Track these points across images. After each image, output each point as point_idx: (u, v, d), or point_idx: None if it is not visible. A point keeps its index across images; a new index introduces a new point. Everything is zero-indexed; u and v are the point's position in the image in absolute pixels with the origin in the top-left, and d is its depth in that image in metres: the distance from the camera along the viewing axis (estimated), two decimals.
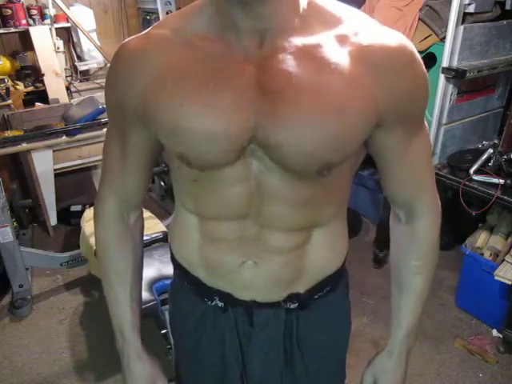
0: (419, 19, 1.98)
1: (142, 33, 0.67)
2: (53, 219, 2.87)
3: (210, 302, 0.79)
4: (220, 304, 0.78)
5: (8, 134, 2.54)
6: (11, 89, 2.96)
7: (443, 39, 1.90)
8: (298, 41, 0.59)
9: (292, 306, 0.77)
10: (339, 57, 0.58)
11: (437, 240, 0.79)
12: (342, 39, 0.59)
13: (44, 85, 3.08)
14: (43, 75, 3.05)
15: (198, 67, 0.60)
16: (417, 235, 0.78)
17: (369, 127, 0.62)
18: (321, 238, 0.74)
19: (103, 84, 0.73)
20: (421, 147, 0.70)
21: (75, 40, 3.34)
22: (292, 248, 0.72)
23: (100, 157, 0.79)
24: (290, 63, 0.58)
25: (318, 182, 0.66)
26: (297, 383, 0.83)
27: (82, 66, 3.40)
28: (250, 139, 0.60)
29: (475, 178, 1.91)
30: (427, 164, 0.74)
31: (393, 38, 0.60)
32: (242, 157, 0.62)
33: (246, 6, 0.55)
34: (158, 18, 3.09)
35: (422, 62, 0.62)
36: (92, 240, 1.93)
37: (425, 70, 0.63)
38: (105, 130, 0.82)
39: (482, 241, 2.08)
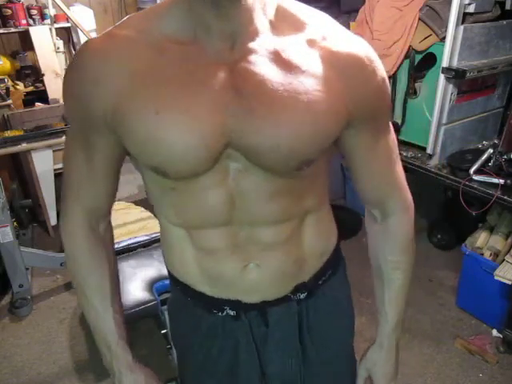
0: (419, 19, 1.98)
1: (104, 33, 0.63)
2: (53, 219, 2.87)
3: (220, 313, 0.77)
4: (232, 313, 0.77)
5: (8, 134, 2.55)
6: (11, 89, 2.96)
7: (443, 39, 1.89)
8: (269, 44, 0.60)
9: (302, 296, 0.78)
10: (309, 59, 0.60)
11: (411, 235, 0.82)
12: (311, 43, 0.61)
13: (44, 85, 3.08)
14: (43, 75, 3.05)
15: (171, 71, 0.59)
16: (391, 232, 0.81)
17: (340, 126, 0.64)
18: (312, 223, 0.75)
19: None
20: (387, 146, 0.73)
21: (75, 40, 3.33)
22: (287, 240, 0.72)
23: None
24: (262, 65, 0.58)
25: (297, 176, 0.67)
26: (311, 372, 0.84)
27: None
28: (226, 143, 0.60)
29: (475, 178, 1.91)
30: (396, 162, 0.76)
31: (359, 45, 0.64)
32: (219, 161, 0.62)
33: (219, 6, 0.56)
34: None
35: (382, 67, 0.66)
36: None
37: (385, 75, 0.67)
38: None
39: (482, 241, 2.08)
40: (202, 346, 0.82)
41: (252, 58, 0.59)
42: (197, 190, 0.65)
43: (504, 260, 1.91)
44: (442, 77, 1.90)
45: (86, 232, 0.77)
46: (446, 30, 1.85)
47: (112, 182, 0.74)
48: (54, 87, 3.08)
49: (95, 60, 0.61)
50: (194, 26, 0.59)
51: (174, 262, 0.80)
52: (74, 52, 3.41)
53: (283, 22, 0.62)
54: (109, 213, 0.80)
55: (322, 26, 0.64)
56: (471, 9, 1.79)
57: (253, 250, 0.71)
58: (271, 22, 0.61)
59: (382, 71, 0.65)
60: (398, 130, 2.19)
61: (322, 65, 0.60)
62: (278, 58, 0.59)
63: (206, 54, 0.59)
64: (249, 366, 0.81)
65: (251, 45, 0.59)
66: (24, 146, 2.52)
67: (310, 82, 0.59)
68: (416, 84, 2.14)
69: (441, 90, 1.93)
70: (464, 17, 1.81)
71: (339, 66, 0.61)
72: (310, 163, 0.64)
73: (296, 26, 0.62)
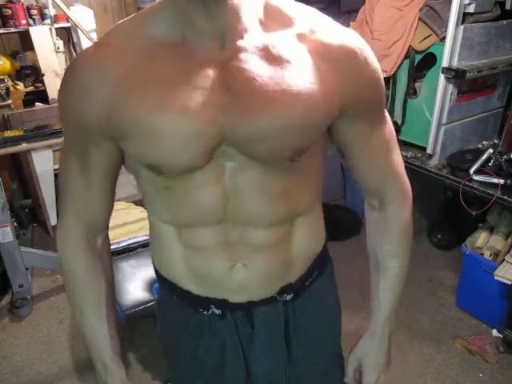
0: (419, 19, 1.98)
1: (95, 42, 0.65)
2: (53, 219, 2.87)
3: (205, 312, 0.78)
4: (217, 311, 0.77)
5: (8, 134, 2.55)
6: (11, 89, 2.96)
7: (443, 39, 1.89)
8: (258, 40, 0.60)
9: (288, 298, 0.78)
10: (299, 53, 0.61)
11: (409, 224, 0.82)
12: (300, 37, 0.62)
13: (44, 85, 3.08)
14: (43, 75, 3.05)
15: (162, 73, 0.60)
16: (388, 220, 0.81)
17: (331, 116, 0.65)
18: (303, 226, 0.75)
19: None
20: (384, 136, 0.74)
21: (75, 40, 3.33)
22: (277, 242, 0.73)
23: None
24: (252, 62, 0.59)
25: (291, 170, 0.68)
26: (298, 372, 0.84)
27: None
28: (220, 140, 0.61)
29: (475, 178, 1.91)
30: (393, 151, 0.77)
31: (349, 36, 0.64)
32: (213, 159, 0.63)
33: (205, 5, 0.56)
34: None
35: (375, 57, 0.66)
36: None
37: (378, 65, 0.67)
38: None
39: (482, 241, 2.08)
40: (189, 344, 0.82)
41: (242, 55, 0.59)
42: (191, 189, 0.66)
43: (504, 260, 1.91)
44: (441, 77, 1.90)
45: (83, 247, 0.77)
46: (445, 30, 1.85)
47: (108, 195, 0.75)
48: (54, 87, 3.07)
49: (85, 71, 0.62)
50: (183, 27, 0.60)
51: (161, 260, 0.80)
52: (74, 52, 3.41)
53: (272, 19, 0.62)
54: (106, 227, 0.81)
55: (311, 19, 0.64)
56: (471, 9, 1.79)
57: (242, 250, 0.71)
58: (260, 20, 0.62)
59: (374, 61, 0.66)
60: (398, 130, 2.19)
61: (313, 58, 0.61)
62: (267, 54, 0.60)
63: (196, 55, 0.60)
64: (235, 366, 0.81)
65: (240, 43, 0.60)
66: (24, 146, 2.52)
67: (300, 75, 0.60)
68: (416, 84, 2.14)
69: (441, 90, 1.93)
70: (464, 17, 1.81)
71: (332, 59, 0.62)
72: (302, 152, 0.65)
73: (284, 21, 0.63)
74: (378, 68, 0.67)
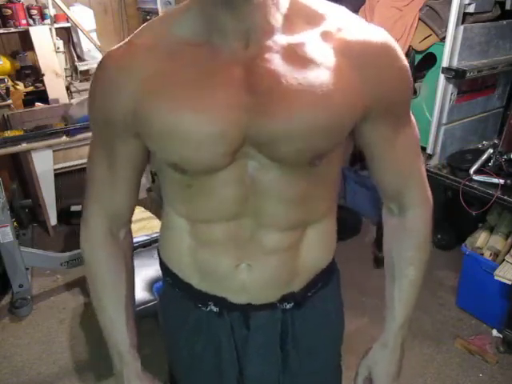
0: (419, 19, 1.98)
1: (124, 41, 0.66)
2: (53, 219, 2.87)
3: (204, 308, 0.78)
4: (215, 309, 0.77)
5: (8, 134, 2.55)
6: (11, 89, 2.96)
7: (443, 39, 1.89)
8: (283, 40, 0.60)
9: (288, 306, 0.77)
10: (324, 53, 0.60)
11: (428, 231, 0.80)
12: (326, 36, 0.61)
13: (44, 85, 3.09)
14: (43, 75, 3.06)
15: (187, 73, 0.60)
16: (408, 226, 0.79)
17: (355, 119, 0.64)
18: (314, 235, 0.75)
19: None
20: (408, 138, 0.72)
21: (75, 40, 3.34)
22: (287, 248, 0.72)
23: None
24: (276, 62, 0.59)
25: (311, 174, 0.67)
26: (296, 382, 0.83)
27: (81, 66, 3.40)
28: (243, 140, 0.61)
29: (475, 178, 1.91)
30: (416, 155, 0.75)
31: (376, 33, 0.63)
32: (237, 158, 0.63)
33: (231, 6, 0.56)
34: None
35: (403, 55, 0.64)
36: None
37: (407, 63, 0.65)
38: None
39: (482, 241, 2.08)
40: (188, 340, 0.82)
41: (267, 55, 0.59)
42: (213, 187, 0.66)
43: (504, 260, 1.91)
44: (441, 77, 1.90)
45: (106, 240, 0.78)
46: (445, 30, 1.85)
47: (132, 189, 0.76)
48: (54, 87, 3.08)
49: (114, 69, 0.64)
50: (208, 27, 0.60)
51: (169, 251, 0.80)
52: (74, 52, 3.41)
53: (297, 16, 0.61)
54: (129, 220, 0.82)
55: (338, 17, 0.63)
56: (471, 9, 1.79)
57: (250, 250, 0.71)
58: (285, 16, 0.61)
59: (401, 60, 0.63)
60: None
61: (338, 58, 0.60)
62: (292, 54, 0.59)
63: (221, 54, 0.60)
64: (229, 366, 0.80)
65: (265, 42, 0.59)
66: (24, 146, 2.52)
67: (324, 75, 0.59)
68: (416, 84, 2.14)
69: (441, 90, 1.93)
70: (464, 17, 1.81)
71: (352, 56, 0.60)
72: (323, 157, 0.64)
73: (311, 18, 0.62)
74: (407, 68, 0.65)
